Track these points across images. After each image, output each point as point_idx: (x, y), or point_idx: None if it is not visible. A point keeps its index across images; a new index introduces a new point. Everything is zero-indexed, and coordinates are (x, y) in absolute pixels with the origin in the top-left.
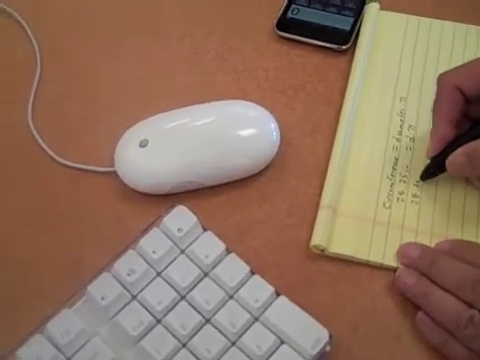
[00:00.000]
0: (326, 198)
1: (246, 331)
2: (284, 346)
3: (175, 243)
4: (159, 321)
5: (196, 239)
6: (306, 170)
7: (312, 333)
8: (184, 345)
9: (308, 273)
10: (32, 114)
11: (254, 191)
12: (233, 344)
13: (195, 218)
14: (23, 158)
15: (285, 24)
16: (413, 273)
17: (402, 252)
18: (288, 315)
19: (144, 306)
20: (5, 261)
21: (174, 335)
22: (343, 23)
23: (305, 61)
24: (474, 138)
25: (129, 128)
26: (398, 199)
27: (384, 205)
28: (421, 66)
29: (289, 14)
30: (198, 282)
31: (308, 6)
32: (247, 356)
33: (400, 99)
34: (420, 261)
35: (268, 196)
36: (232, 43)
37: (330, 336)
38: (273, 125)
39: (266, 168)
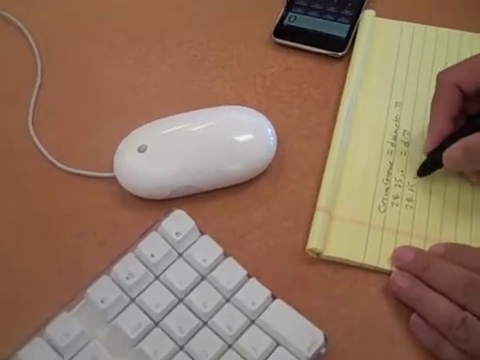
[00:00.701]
0: (322, 202)
1: (243, 334)
2: (280, 348)
3: (173, 247)
4: (157, 324)
5: (194, 243)
6: (302, 175)
7: (308, 335)
8: (182, 348)
9: (304, 276)
10: (32, 120)
11: (251, 196)
12: (230, 346)
13: (193, 222)
14: (23, 164)
15: (282, 31)
16: (407, 276)
17: (396, 255)
18: (284, 318)
19: (142, 309)
20: (5, 265)
21: (172, 338)
22: (339, 30)
23: (302, 67)
24: (470, 133)
25: (128, 134)
26: (393, 203)
27: (379, 209)
28: (416, 72)
29: (286, 21)
30: (195, 285)
31: (305, 13)
32: (244, 358)
33: (395, 104)
34: (414, 264)
35: (265, 200)
36: (230, 49)
37: (325, 338)
38: (270, 130)
39: (263, 173)
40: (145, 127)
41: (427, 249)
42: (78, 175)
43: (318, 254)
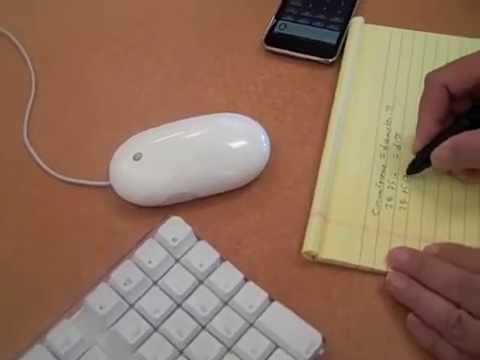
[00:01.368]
0: (316, 206)
1: (241, 336)
2: (278, 350)
3: (170, 253)
4: (156, 329)
5: (190, 248)
6: (296, 180)
7: (306, 337)
8: (181, 352)
9: (300, 279)
10: (27, 130)
11: (246, 201)
12: (229, 349)
13: (189, 228)
14: (19, 174)
15: (273, 39)
16: (403, 276)
17: (391, 256)
18: (282, 320)
19: (141, 314)
20: (4, 273)
21: (171, 342)
22: (329, 37)
23: (293, 74)
24: (458, 132)
25: (123, 142)
26: (386, 205)
27: (373, 211)
28: (406, 76)
29: (277, 29)
30: (193, 290)
31: (295, 21)
32: None
33: (386, 108)
34: (409, 265)
35: (259, 205)
36: (223, 58)
37: (323, 340)
38: (263, 137)
39: (257, 178)
40: (140, 135)
41: (422, 250)
42: (74, 184)
43: (314, 257)
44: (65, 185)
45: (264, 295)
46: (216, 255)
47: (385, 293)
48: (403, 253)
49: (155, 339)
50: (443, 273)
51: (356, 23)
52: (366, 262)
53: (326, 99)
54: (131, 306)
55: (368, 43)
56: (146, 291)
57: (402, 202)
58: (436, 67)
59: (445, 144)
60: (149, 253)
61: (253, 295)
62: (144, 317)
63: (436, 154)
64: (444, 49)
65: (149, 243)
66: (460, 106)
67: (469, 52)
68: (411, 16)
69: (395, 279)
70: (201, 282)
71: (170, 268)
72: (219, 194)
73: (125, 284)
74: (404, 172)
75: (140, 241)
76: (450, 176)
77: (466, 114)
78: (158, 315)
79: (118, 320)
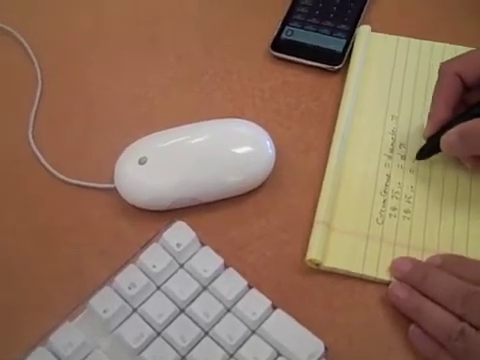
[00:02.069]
0: (321, 214)
1: (244, 343)
2: (281, 358)
3: (174, 258)
4: (159, 334)
5: (194, 254)
6: (300, 187)
7: (308, 345)
8: (184, 357)
9: (303, 287)
10: (33, 131)
11: (250, 207)
12: (231, 356)
13: (193, 233)
14: (24, 175)
15: (280, 45)
16: (405, 287)
17: (395, 266)
18: (284, 328)
19: (145, 319)
20: (7, 275)
21: (174, 347)
22: (336, 44)
23: (299, 81)
24: (468, 119)
25: (128, 145)
26: (390, 215)
27: (377, 221)
28: (411, 85)
29: (283, 35)
30: (197, 296)
31: (302, 28)
32: None
33: (391, 117)
34: (412, 275)
35: (264, 212)
36: (228, 63)
37: (326, 348)
38: (268, 143)
39: (262, 185)
40: (145, 139)
41: (425, 260)
42: (79, 186)
43: (317, 265)
44: (69, 187)
45: (267, 302)
46: (220, 261)
47: (387, 302)
48: (406, 263)
49: (158, 344)
50: (446, 284)
51: (363, 31)
52: (369, 271)
53: (331, 106)
54: (134, 310)
55: (374, 51)
56: (150, 296)
57: (406, 212)
58: None
59: (453, 130)
60: (153, 258)
61: (256, 302)
62: (147, 322)
63: (444, 139)
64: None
65: (153, 248)
66: (474, 96)
67: None
68: (418, 25)
69: (398, 289)
70: (205, 288)
71: (174, 273)
72: (224, 200)
73: (129, 288)
74: (408, 182)
75: (144, 245)
76: (454, 187)
77: (478, 102)
78: (161, 320)
79: (121, 324)
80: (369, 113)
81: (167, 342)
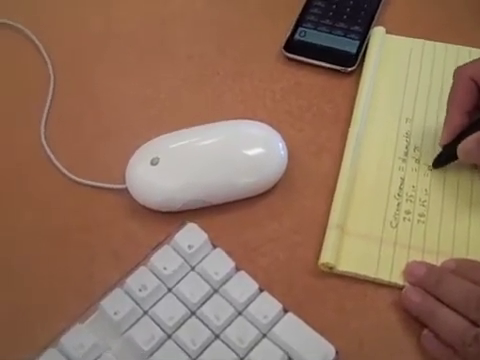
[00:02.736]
0: (334, 217)
1: (254, 347)
2: None
3: (186, 260)
4: (170, 336)
5: (206, 256)
6: (313, 189)
7: (319, 349)
8: None
9: (314, 290)
10: (45, 132)
11: (262, 209)
12: (242, 359)
13: (205, 235)
14: (36, 175)
15: (292, 46)
16: (419, 291)
17: (408, 271)
18: (296, 332)
19: (155, 321)
20: (19, 276)
21: (184, 350)
22: (349, 46)
23: (312, 82)
24: None
25: (140, 146)
26: (404, 218)
27: (391, 224)
28: (426, 88)
29: (296, 36)
30: (208, 298)
31: (315, 29)
32: None
33: (406, 120)
34: (426, 279)
35: (276, 214)
36: (240, 64)
37: (337, 352)
38: (281, 144)
39: (274, 187)
40: (157, 140)
41: (439, 264)
42: (90, 186)
43: (331, 268)
44: (81, 187)
45: (278, 306)
46: (231, 264)
47: (399, 306)
48: (420, 267)
49: (168, 347)
50: (461, 290)
51: (377, 33)
52: (383, 275)
53: (344, 109)
54: (145, 312)
55: (389, 53)
56: (161, 298)
57: (420, 215)
58: None
59: (471, 137)
60: (164, 260)
61: (268, 306)
62: (158, 324)
63: (462, 147)
64: (465, 61)
65: (165, 250)
66: None
67: None
68: (432, 27)
69: (411, 293)
70: (216, 291)
71: (185, 275)
72: (235, 201)
73: (140, 290)
74: (423, 185)
75: (156, 247)
76: (469, 190)
77: None
78: (172, 322)
79: (132, 326)
80: (383, 116)
81: (178, 345)
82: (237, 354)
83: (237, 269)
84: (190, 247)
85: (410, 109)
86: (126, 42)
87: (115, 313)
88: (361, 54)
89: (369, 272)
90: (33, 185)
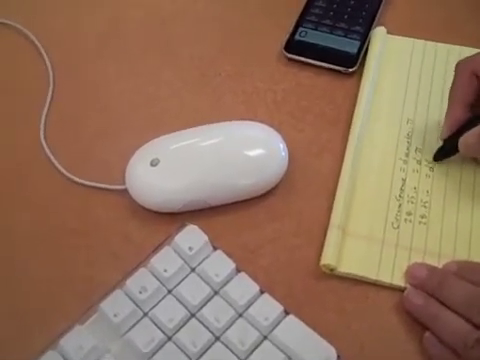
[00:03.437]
0: (335, 218)
1: (255, 349)
2: None
3: (186, 261)
4: (170, 338)
5: (206, 258)
6: (314, 190)
7: (320, 352)
8: None
9: (315, 291)
10: (44, 132)
11: (263, 211)
12: None
13: (206, 237)
14: (35, 176)
15: (293, 46)
16: (421, 294)
17: (410, 273)
18: (297, 334)
19: (155, 323)
20: (18, 278)
21: (185, 352)
22: (350, 46)
23: (313, 83)
24: None
25: (140, 147)
26: (406, 220)
27: (392, 226)
28: (427, 89)
29: (297, 36)
30: (208, 300)
31: (315, 29)
32: None
33: (407, 121)
34: (428, 282)
35: (277, 216)
36: (241, 64)
37: (338, 355)
38: (281, 145)
39: (275, 188)
40: (157, 141)
41: (441, 266)
42: (90, 187)
43: (332, 270)
44: (80, 187)
45: (279, 308)
46: (232, 265)
47: (400, 308)
48: (422, 270)
49: (168, 349)
50: (462, 292)
51: (378, 33)
52: (384, 277)
53: (345, 109)
54: (145, 314)
55: (390, 54)
56: (161, 300)
57: (422, 217)
58: None
59: (472, 131)
60: (165, 261)
61: (268, 307)
62: (158, 326)
63: (463, 140)
64: None
65: (165, 251)
66: None
67: None
68: (434, 27)
69: (413, 296)
70: (216, 292)
71: (185, 277)
72: (236, 203)
73: (140, 292)
74: (424, 187)
75: (156, 249)
76: (471, 192)
77: None
78: (172, 324)
79: (132, 328)
80: (384, 117)
81: (178, 347)
82: (238, 356)
83: (238, 271)
84: (190, 249)
85: (411, 110)
86: (126, 42)
87: (115, 315)
88: (362, 54)
89: (370, 274)
90: (32, 185)
